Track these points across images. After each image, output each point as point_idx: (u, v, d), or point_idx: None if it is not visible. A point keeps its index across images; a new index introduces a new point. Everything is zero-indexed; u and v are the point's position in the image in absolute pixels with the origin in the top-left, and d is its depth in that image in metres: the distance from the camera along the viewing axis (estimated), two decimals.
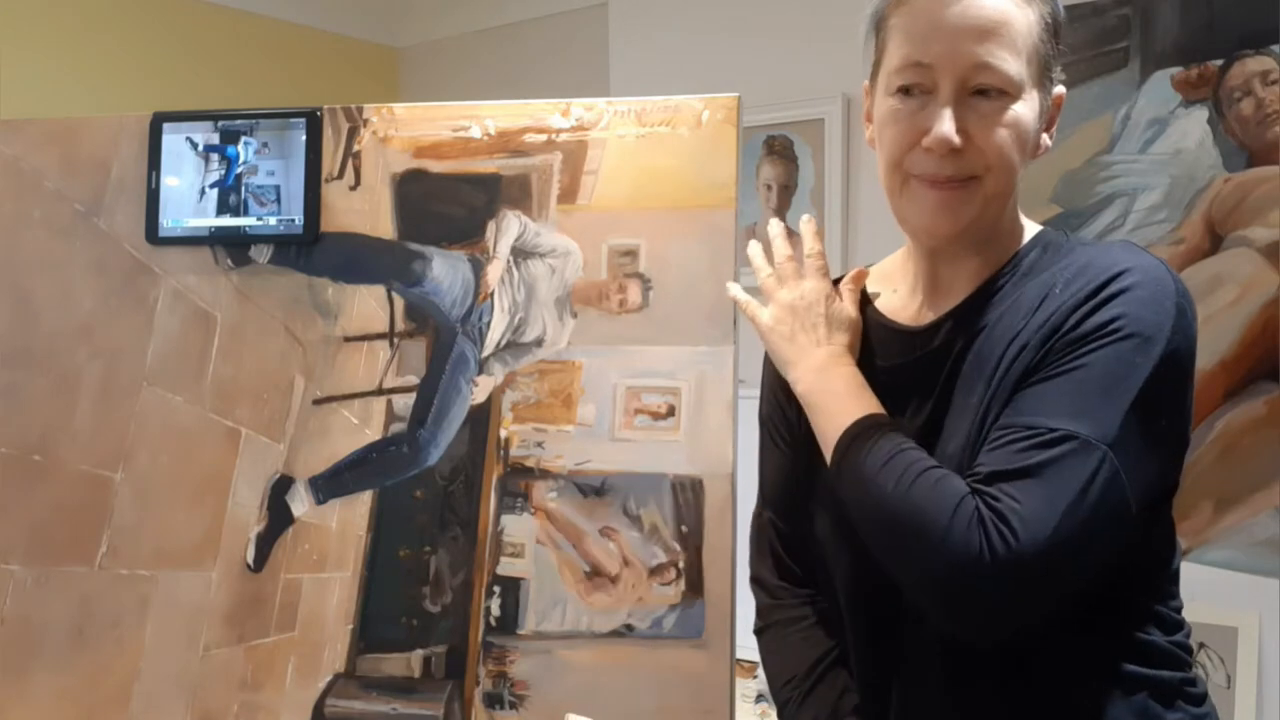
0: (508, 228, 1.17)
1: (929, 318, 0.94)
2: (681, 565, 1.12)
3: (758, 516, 1.10)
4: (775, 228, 1.03)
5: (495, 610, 1.13)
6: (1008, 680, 0.87)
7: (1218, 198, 1.91)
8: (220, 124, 1.20)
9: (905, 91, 0.88)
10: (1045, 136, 0.92)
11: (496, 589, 1.14)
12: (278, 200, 1.18)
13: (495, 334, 1.17)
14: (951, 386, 0.89)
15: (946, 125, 0.85)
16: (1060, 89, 0.92)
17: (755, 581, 1.10)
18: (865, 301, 1.01)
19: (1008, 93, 0.86)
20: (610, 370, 1.15)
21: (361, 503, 1.16)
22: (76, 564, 1.16)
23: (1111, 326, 0.81)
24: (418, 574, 1.15)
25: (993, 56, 0.85)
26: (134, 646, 1.15)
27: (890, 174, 0.90)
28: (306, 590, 1.16)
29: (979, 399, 0.86)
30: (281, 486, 1.17)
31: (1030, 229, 0.96)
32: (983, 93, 0.86)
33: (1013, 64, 0.85)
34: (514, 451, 1.15)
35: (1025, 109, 0.87)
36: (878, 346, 0.97)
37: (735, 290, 1.07)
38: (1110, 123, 2.02)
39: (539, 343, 1.16)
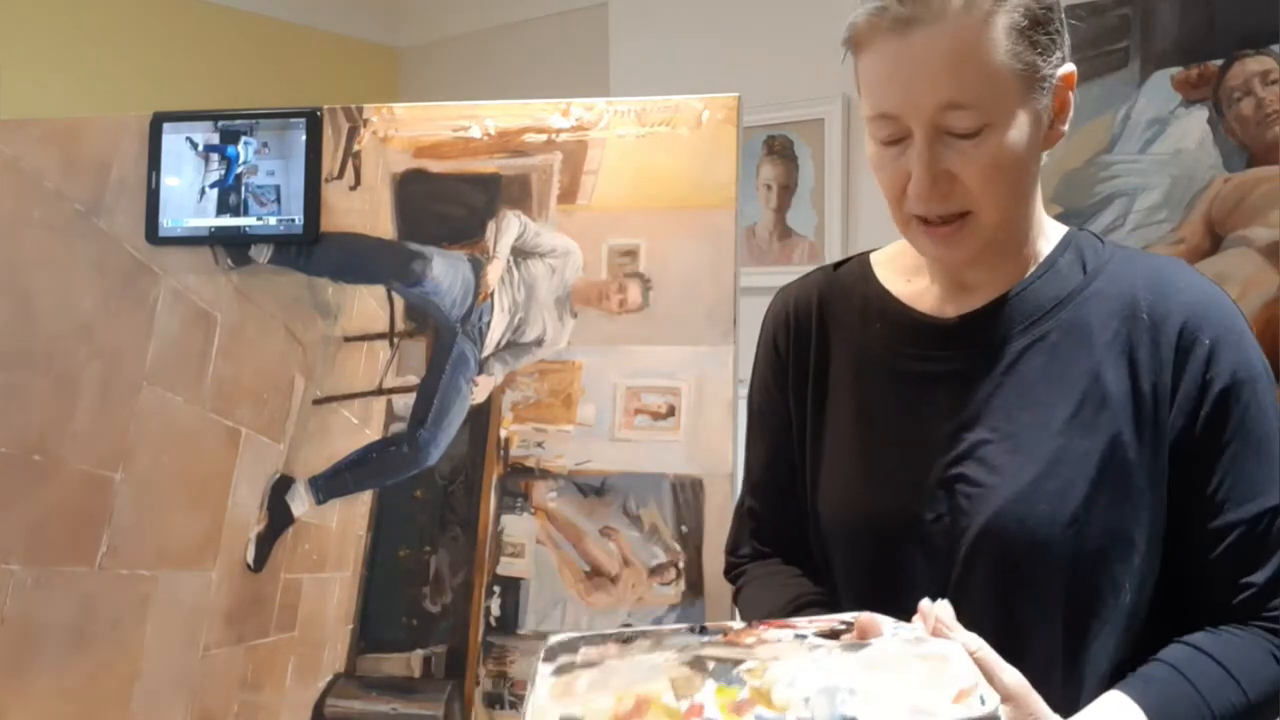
0: (508, 228, 1.17)
1: (952, 312, 0.90)
2: (681, 565, 1.12)
3: (740, 505, 1.07)
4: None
5: (495, 610, 1.13)
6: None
7: (1218, 198, 1.91)
8: (220, 124, 1.20)
9: (882, 137, 0.83)
10: (1060, 124, 0.85)
11: (496, 589, 1.14)
12: (278, 200, 1.18)
13: (495, 334, 1.17)
14: (1005, 396, 0.86)
15: (922, 180, 0.80)
16: (1068, 67, 0.84)
17: (730, 554, 1.05)
18: (880, 286, 0.96)
19: (986, 123, 0.79)
20: (610, 370, 1.15)
21: (361, 503, 1.16)
22: (76, 564, 1.16)
23: (1238, 381, 0.82)
24: (418, 574, 1.15)
25: (959, 92, 0.78)
26: (134, 646, 1.15)
27: (892, 214, 0.87)
28: (306, 590, 1.16)
29: (1062, 423, 0.84)
30: (281, 486, 1.17)
31: (1054, 229, 0.92)
32: (959, 130, 0.80)
33: (983, 92, 0.78)
34: (514, 451, 1.15)
35: (1013, 131, 0.80)
36: (904, 334, 0.92)
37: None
38: (1110, 123, 2.02)
39: (539, 343, 1.16)
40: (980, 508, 0.84)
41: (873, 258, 1.00)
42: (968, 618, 0.81)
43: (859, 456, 0.92)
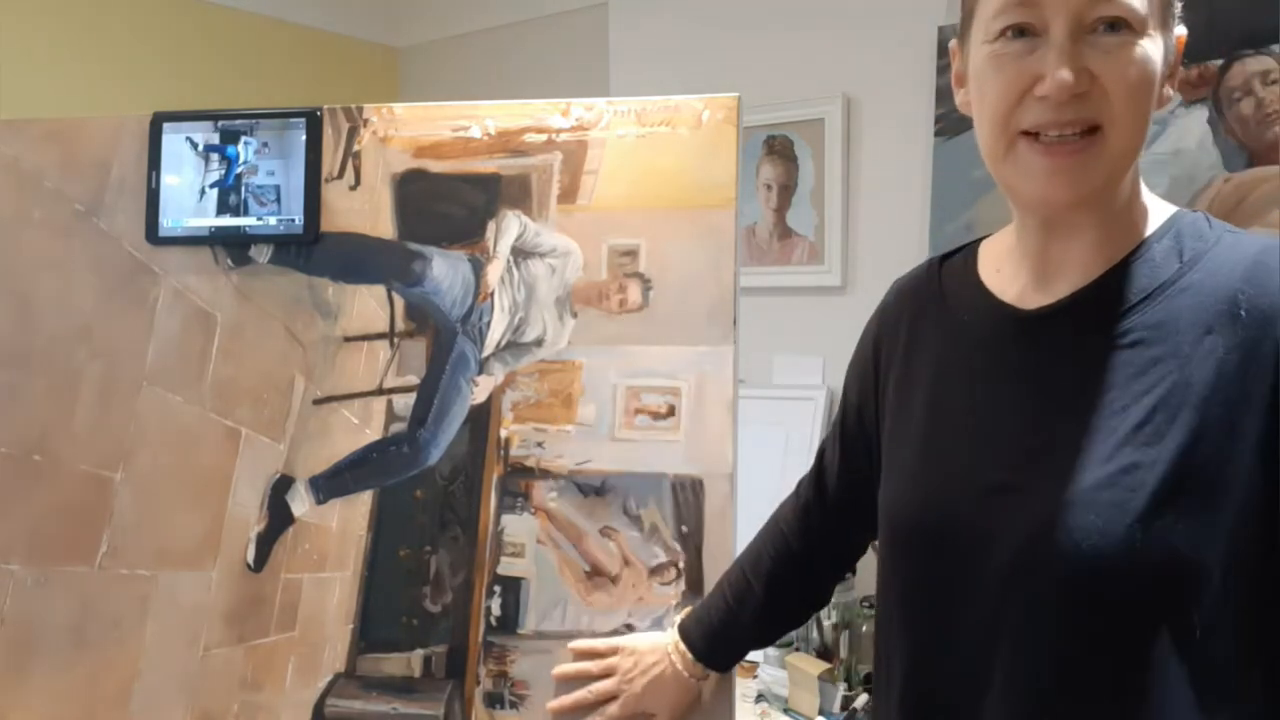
0: (508, 228, 1.17)
1: (1036, 301, 0.83)
2: (681, 565, 1.12)
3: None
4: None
5: (495, 610, 1.14)
6: None
7: (1218, 198, 1.91)
8: (220, 124, 1.20)
9: (1009, 34, 0.76)
10: (1169, 88, 0.78)
11: (497, 589, 1.14)
12: (278, 200, 1.18)
13: (495, 334, 1.17)
14: (1074, 399, 0.78)
15: (1064, 69, 0.73)
16: (1181, 30, 0.78)
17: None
18: (976, 275, 0.90)
19: (1132, 26, 0.73)
20: (610, 370, 1.15)
21: (361, 502, 1.16)
22: (76, 564, 1.16)
23: None
24: (418, 574, 1.15)
25: None
26: (134, 646, 1.15)
27: (994, 133, 0.78)
28: (306, 590, 1.16)
29: (1130, 430, 0.74)
30: (282, 486, 1.17)
31: (1160, 210, 0.82)
32: (1103, 28, 0.73)
33: None
34: (514, 451, 1.15)
35: (1152, 47, 0.74)
36: (985, 327, 0.86)
37: None
38: None
39: (539, 343, 1.16)
40: (1026, 516, 0.76)
41: (981, 244, 0.93)
42: (1010, 643, 0.77)
43: (922, 454, 0.87)
